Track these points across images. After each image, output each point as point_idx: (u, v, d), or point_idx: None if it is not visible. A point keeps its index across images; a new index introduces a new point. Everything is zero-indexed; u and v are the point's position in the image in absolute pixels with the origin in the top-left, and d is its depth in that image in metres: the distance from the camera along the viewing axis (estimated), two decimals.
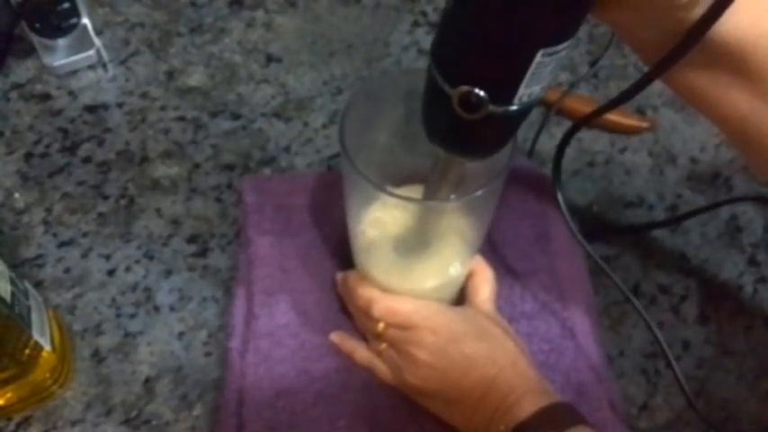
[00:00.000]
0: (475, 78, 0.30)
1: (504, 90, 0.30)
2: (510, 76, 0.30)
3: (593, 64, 0.68)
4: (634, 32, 0.33)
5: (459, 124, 0.32)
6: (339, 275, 0.51)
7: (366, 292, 0.46)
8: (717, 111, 0.35)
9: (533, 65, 0.29)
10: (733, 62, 0.32)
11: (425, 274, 0.46)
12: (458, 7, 0.29)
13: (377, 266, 0.46)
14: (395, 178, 0.48)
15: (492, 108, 0.31)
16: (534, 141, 0.61)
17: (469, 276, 0.49)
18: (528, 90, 0.31)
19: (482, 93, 0.30)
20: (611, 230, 0.58)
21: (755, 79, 0.32)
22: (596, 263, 0.46)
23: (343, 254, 0.51)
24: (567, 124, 0.65)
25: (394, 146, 0.45)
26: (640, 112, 0.65)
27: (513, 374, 0.43)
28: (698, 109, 0.36)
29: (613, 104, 0.37)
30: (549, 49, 0.29)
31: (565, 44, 0.29)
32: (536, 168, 0.60)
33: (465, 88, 0.30)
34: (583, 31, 0.71)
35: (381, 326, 0.45)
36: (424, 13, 0.72)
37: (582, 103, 0.64)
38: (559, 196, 0.45)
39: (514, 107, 0.31)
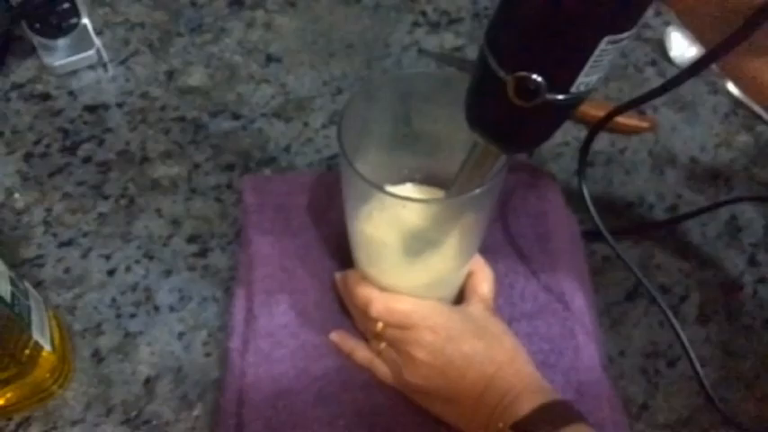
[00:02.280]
0: (535, 64, 0.30)
1: (564, 78, 0.30)
2: (572, 64, 0.29)
3: None
4: (695, 14, 0.33)
5: (510, 112, 0.31)
6: (338, 275, 0.51)
7: (365, 292, 0.46)
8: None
9: (596, 53, 0.28)
10: None
11: (424, 273, 0.46)
12: None
13: (375, 266, 0.46)
14: (393, 178, 0.48)
15: (548, 96, 0.30)
16: None
17: (469, 276, 0.49)
18: (586, 79, 0.30)
19: (540, 79, 0.29)
20: (611, 230, 0.58)
21: None
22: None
23: (343, 254, 0.51)
24: (567, 124, 0.65)
25: (393, 146, 0.45)
26: (640, 112, 0.65)
27: (511, 372, 0.43)
28: (752, 95, 0.35)
29: (671, 85, 0.37)
30: (614, 37, 0.28)
31: (629, 32, 0.29)
32: (536, 168, 0.60)
33: (522, 74, 0.30)
34: None
35: (380, 325, 0.45)
36: (423, 13, 0.72)
37: (587, 106, 0.64)
38: (586, 194, 0.45)
39: (570, 96, 0.31)
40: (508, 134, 0.34)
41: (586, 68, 0.29)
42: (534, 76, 0.29)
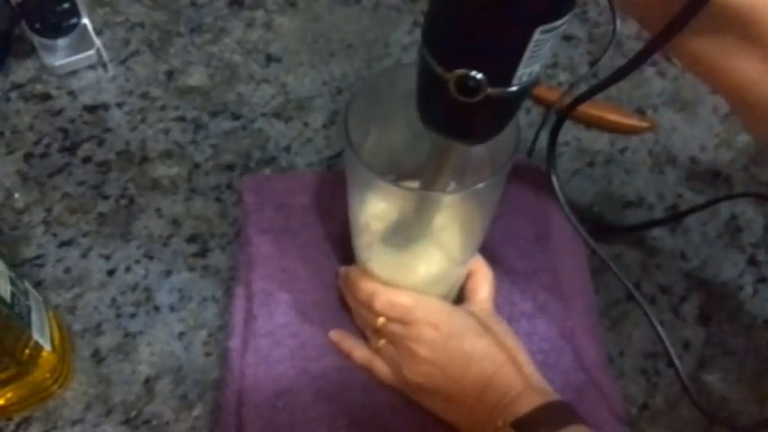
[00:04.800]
0: (471, 61, 0.29)
1: (503, 71, 0.29)
2: (508, 57, 0.29)
3: (593, 64, 0.68)
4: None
5: (457, 109, 0.31)
6: (342, 269, 0.51)
7: (368, 286, 0.46)
8: (724, 81, 0.33)
9: (532, 43, 0.28)
10: (743, 27, 0.30)
11: (427, 268, 0.46)
12: None
13: (378, 260, 0.46)
14: (399, 175, 0.48)
15: (490, 90, 0.30)
16: (534, 141, 0.61)
17: (469, 276, 0.49)
18: (527, 69, 0.30)
19: (479, 75, 0.29)
20: (611, 230, 0.58)
21: (766, 45, 0.31)
22: (598, 262, 0.46)
23: (342, 253, 0.51)
24: (568, 124, 0.65)
25: (398, 142, 0.45)
26: (640, 112, 0.65)
27: (511, 372, 0.43)
28: (704, 79, 0.35)
29: (617, 78, 0.36)
30: (548, 26, 0.28)
31: (564, 19, 0.28)
32: (536, 167, 0.60)
33: (462, 71, 0.29)
34: (583, 31, 0.71)
35: (381, 320, 0.45)
36: (423, 13, 0.72)
37: (586, 105, 0.64)
38: (556, 186, 0.44)
39: (513, 88, 0.30)
40: (460, 129, 0.34)
41: (524, 60, 0.29)
42: (473, 73, 0.29)
